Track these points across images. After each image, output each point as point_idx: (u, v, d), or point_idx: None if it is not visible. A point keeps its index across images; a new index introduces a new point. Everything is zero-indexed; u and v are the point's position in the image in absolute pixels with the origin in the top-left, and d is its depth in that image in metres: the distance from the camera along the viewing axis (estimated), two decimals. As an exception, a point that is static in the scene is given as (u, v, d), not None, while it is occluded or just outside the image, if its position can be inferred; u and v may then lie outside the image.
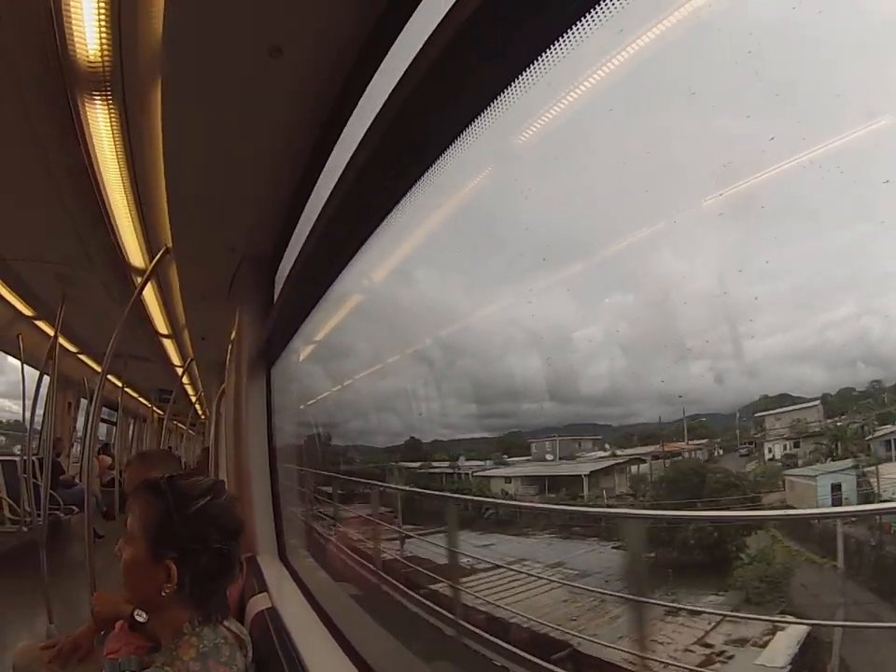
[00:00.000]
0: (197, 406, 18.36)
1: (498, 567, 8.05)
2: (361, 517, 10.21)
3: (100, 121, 3.46)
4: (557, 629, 6.24)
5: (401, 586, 7.28)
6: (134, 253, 5.33)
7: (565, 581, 7.67)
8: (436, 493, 13.72)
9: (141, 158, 3.70)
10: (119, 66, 2.98)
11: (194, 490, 1.99)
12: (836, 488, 6.58)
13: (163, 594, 1.87)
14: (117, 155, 3.80)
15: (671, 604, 6.32)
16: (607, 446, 14.84)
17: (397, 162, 1.86)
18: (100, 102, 3.28)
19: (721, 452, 9.10)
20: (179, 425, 23.11)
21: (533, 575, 7.77)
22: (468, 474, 17.13)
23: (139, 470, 3.22)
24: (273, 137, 2.84)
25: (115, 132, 3.55)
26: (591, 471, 12.22)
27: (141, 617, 2.01)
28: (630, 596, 5.95)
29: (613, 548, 8.34)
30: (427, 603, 6.63)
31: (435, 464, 18.44)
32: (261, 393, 4.56)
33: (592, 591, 7.12)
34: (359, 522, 10.20)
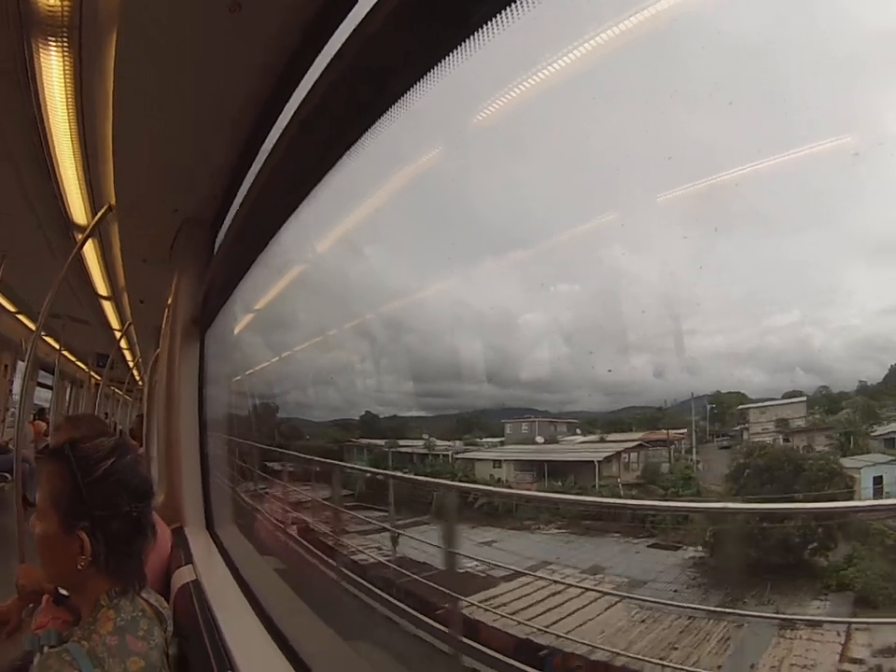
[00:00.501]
0: (135, 372, 17.97)
1: (521, 573, 7.14)
2: (313, 501, 9.95)
3: (53, 69, 3.40)
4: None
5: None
6: (78, 209, 5.24)
7: (625, 594, 6.66)
8: (411, 477, 13.46)
9: (91, 110, 3.63)
10: (79, 13, 2.93)
11: (98, 452, 1.94)
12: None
13: (79, 567, 1.83)
14: (67, 105, 3.73)
15: (807, 616, 5.80)
16: (578, 431, 14.89)
17: (336, 128, 1.87)
18: (55, 48, 3.23)
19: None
20: (116, 391, 22.70)
21: (582, 587, 6.67)
22: (447, 455, 16.83)
23: (68, 435, 3.16)
24: (224, 96, 2.80)
25: (67, 81, 3.50)
26: (605, 457, 11.77)
27: (64, 590, 1.97)
28: (736, 611, 5.46)
29: (665, 548, 7.86)
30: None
31: (402, 442, 18.09)
32: (194, 359, 4.48)
33: (672, 606, 6.19)
34: (313, 506, 10.04)
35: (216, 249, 3.75)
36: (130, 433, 11.26)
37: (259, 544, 5.57)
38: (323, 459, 12.79)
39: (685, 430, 12.86)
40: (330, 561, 7.14)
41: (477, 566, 7.18)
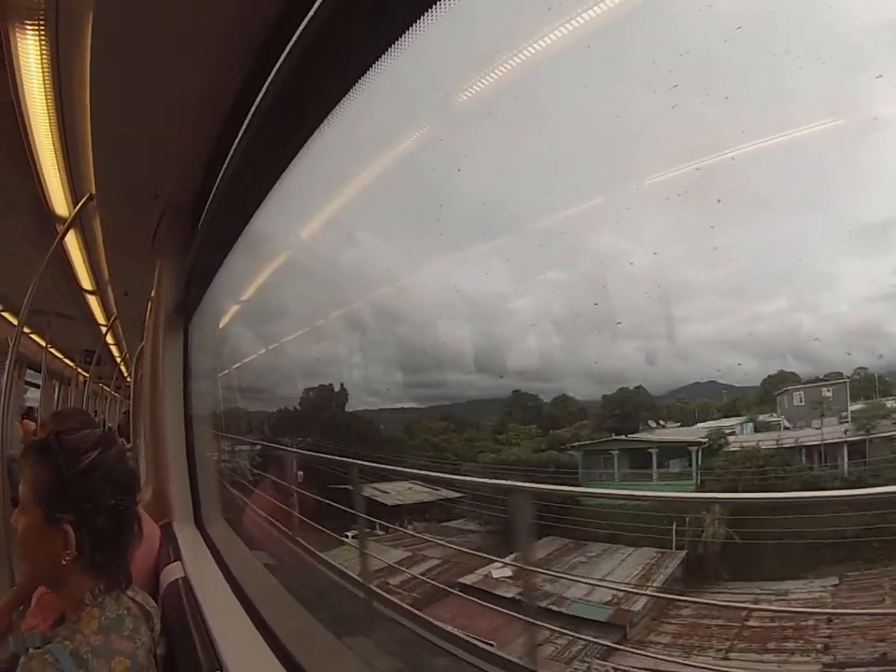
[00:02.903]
0: (122, 367, 17.88)
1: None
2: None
3: (30, 54, 3.34)
4: None
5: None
6: (58, 199, 5.14)
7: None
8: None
9: (69, 96, 3.56)
10: (55, -4, 2.87)
11: (83, 444, 1.90)
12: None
13: (63, 562, 1.79)
14: (45, 92, 3.67)
15: None
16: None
17: (309, 107, 1.84)
18: (31, 33, 3.17)
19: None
20: (104, 387, 22.62)
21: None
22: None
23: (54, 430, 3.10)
24: (201, 78, 2.72)
25: (45, 66, 3.44)
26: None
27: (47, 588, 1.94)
28: None
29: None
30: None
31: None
32: (178, 350, 4.42)
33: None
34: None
35: (197, 236, 3.69)
36: (118, 430, 11.18)
37: (250, 540, 5.50)
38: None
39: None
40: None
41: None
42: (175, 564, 3.06)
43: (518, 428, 17.18)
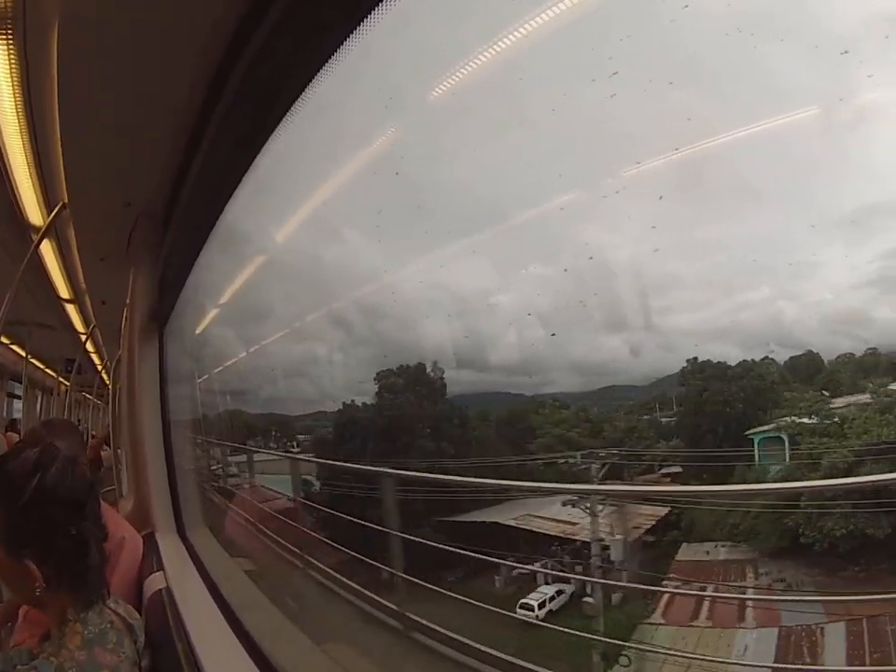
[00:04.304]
0: (104, 375, 17.75)
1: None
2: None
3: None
4: None
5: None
6: (32, 208, 5.12)
7: None
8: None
9: (39, 105, 3.55)
10: (21, 3, 2.86)
11: (23, 471, 1.86)
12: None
13: (37, 593, 1.80)
14: (15, 100, 3.66)
15: None
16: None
17: (269, 109, 1.84)
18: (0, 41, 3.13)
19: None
20: (87, 396, 22.43)
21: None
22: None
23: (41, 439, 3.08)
24: (167, 85, 2.72)
25: (13, 75, 3.43)
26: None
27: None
28: None
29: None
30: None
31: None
32: (154, 357, 4.40)
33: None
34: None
35: (167, 243, 3.68)
36: (104, 440, 11.12)
37: (233, 548, 5.46)
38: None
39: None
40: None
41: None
42: (157, 574, 3.04)
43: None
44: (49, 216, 4.80)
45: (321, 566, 6.84)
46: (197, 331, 5.75)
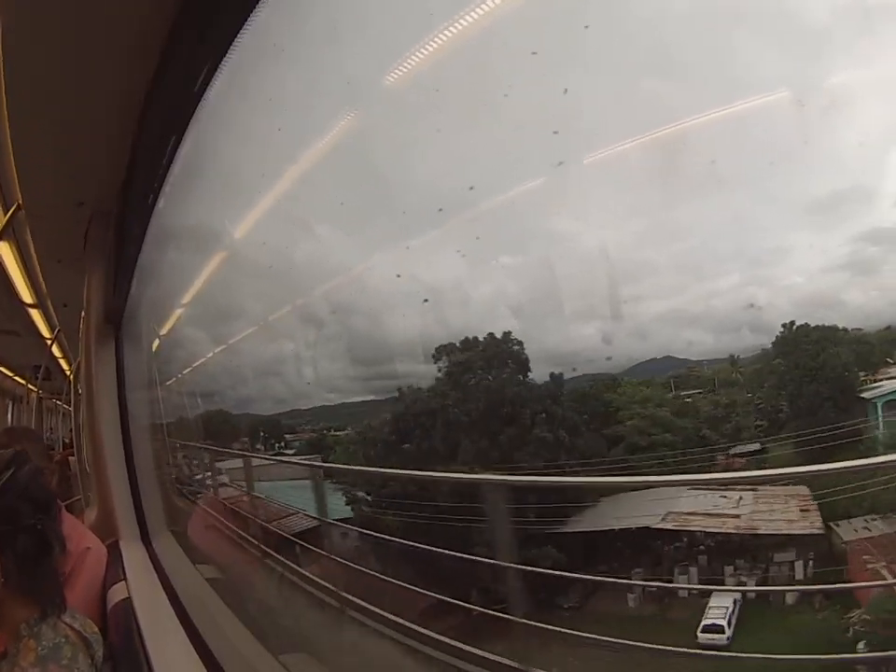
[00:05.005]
0: (73, 381, 17.54)
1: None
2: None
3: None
4: None
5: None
6: (-14, 211, 4.96)
7: None
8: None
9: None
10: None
11: None
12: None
13: None
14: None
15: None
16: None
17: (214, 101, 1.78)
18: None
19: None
20: (58, 402, 22.23)
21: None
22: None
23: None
24: (111, 80, 2.67)
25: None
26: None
27: None
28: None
29: None
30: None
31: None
32: (110, 359, 4.33)
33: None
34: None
35: (122, 242, 3.60)
36: (68, 447, 10.97)
37: (199, 556, 5.29)
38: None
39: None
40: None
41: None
42: (120, 584, 2.98)
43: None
44: (5, 216, 4.69)
45: (381, 610, 5.09)
46: (160, 331, 5.64)
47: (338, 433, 18.72)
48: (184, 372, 8.65)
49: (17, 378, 16.53)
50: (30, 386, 16.95)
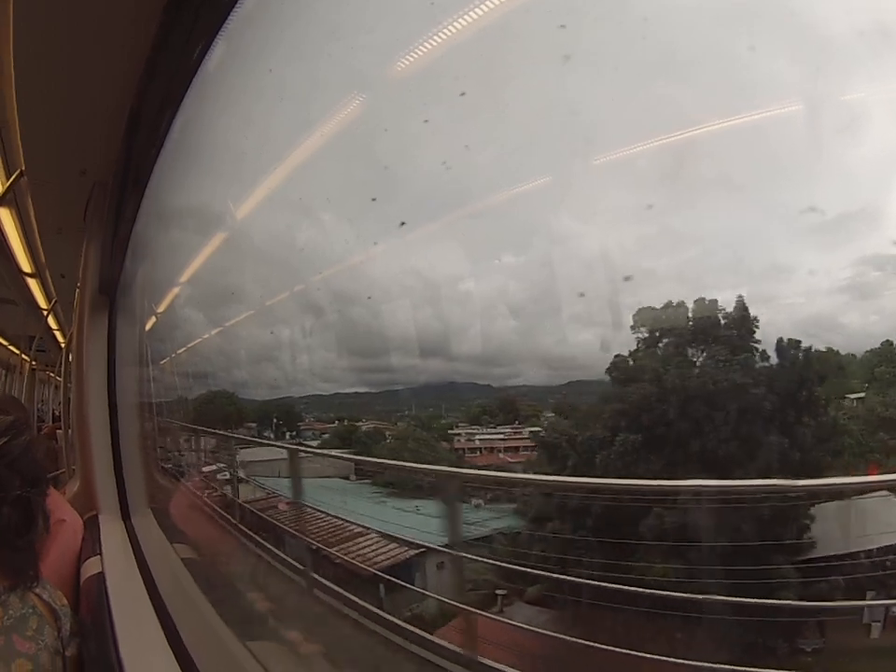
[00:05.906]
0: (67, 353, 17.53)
1: None
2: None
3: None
4: None
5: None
6: (-10, 176, 5.02)
7: None
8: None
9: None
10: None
11: None
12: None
13: None
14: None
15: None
16: None
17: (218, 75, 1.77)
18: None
19: None
20: (51, 374, 22.22)
21: None
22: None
23: None
24: (114, 48, 2.65)
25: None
26: None
27: None
28: None
29: None
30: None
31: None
32: (102, 331, 4.31)
33: None
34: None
35: (122, 214, 3.58)
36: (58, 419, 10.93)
37: (178, 533, 5.26)
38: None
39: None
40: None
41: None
42: (94, 559, 2.95)
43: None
44: (7, 182, 4.74)
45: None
46: (157, 308, 5.62)
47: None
48: (197, 351, 8.36)
49: (11, 347, 16.50)
50: (24, 356, 16.96)
